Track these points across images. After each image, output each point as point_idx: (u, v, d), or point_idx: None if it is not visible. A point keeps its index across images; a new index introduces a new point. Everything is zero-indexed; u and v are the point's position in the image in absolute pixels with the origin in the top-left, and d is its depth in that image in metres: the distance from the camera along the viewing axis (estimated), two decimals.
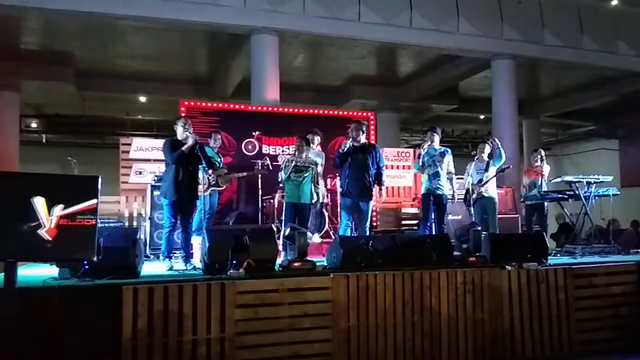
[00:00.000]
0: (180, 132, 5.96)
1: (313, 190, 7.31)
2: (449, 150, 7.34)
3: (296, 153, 7.00)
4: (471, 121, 17.89)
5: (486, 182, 7.46)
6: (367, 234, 6.68)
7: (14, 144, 12.49)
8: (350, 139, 6.69)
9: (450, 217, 8.53)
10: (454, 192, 7.22)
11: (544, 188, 8.06)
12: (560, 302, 5.32)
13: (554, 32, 11.59)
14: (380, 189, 6.83)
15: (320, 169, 7.50)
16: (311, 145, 7.60)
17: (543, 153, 8.49)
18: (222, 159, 7.95)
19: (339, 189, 6.87)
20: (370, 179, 6.65)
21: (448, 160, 7.19)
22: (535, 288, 5.27)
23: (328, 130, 9.24)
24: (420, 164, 7.16)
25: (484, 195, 7.44)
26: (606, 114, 17.35)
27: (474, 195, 7.39)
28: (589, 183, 7.27)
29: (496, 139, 8.01)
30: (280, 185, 7.32)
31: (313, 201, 7.32)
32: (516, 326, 5.16)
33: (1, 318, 3.03)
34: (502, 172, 7.88)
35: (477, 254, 5.53)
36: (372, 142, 7.60)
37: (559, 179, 7.71)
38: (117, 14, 9.10)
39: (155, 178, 8.06)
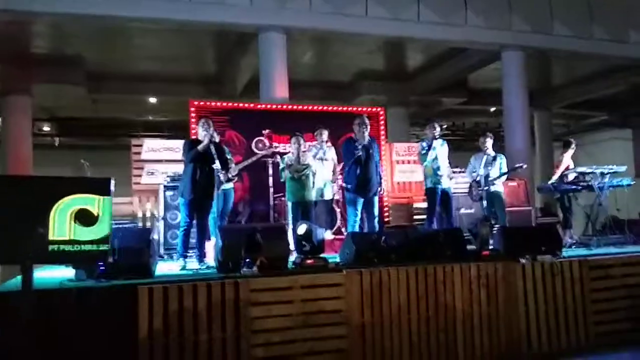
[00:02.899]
0: (200, 132, 6.04)
1: (324, 186, 7.37)
2: (445, 142, 7.40)
3: (294, 149, 7.04)
4: (482, 114, 17.77)
5: (496, 179, 7.48)
6: (377, 228, 6.74)
7: (27, 148, 12.62)
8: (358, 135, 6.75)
9: (462, 210, 8.53)
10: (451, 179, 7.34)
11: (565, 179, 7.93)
12: (575, 294, 5.28)
13: (564, 22, 11.47)
14: (380, 183, 6.93)
15: (336, 164, 7.64)
16: (322, 140, 7.63)
17: (572, 145, 8.37)
18: (233, 157, 7.96)
19: (345, 186, 6.84)
20: (381, 173, 6.83)
21: (446, 153, 7.22)
22: (550, 281, 5.24)
23: (337, 127, 9.24)
24: (427, 157, 7.19)
25: (491, 190, 7.46)
26: (618, 104, 17.16)
27: (481, 190, 7.39)
28: (602, 174, 7.20)
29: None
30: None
31: (323, 198, 7.37)
32: (531, 319, 5.13)
33: (19, 320, 3.06)
34: (514, 170, 7.88)
35: (491, 248, 5.51)
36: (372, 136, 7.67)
37: (572, 170, 7.64)
38: (126, 17, 9.15)
39: (168, 178, 8.11)
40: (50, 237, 3.07)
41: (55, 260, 3.36)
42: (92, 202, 3.18)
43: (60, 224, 3.09)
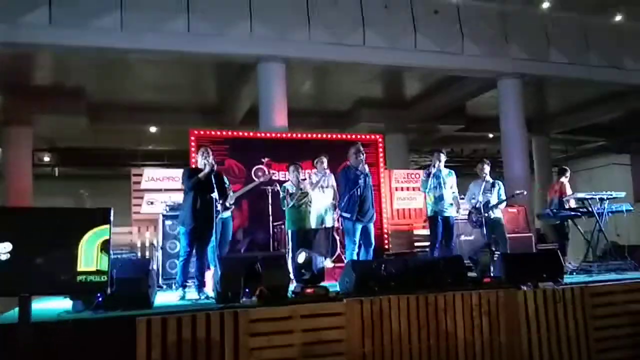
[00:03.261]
0: (199, 160, 6.07)
1: (324, 213, 7.38)
2: (453, 172, 7.40)
3: (293, 178, 7.06)
4: (480, 140, 17.86)
5: (496, 206, 7.51)
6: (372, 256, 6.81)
7: (27, 178, 12.64)
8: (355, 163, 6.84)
9: (462, 237, 8.51)
10: (458, 209, 7.39)
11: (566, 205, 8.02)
12: (578, 321, 5.23)
13: (560, 50, 11.63)
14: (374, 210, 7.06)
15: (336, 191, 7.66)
16: (323, 168, 7.66)
17: (567, 173, 8.57)
18: (232, 185, 7.96)
19: (345, 215, 6.84)
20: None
21: (453, 182, 7.25)
22: (552, 308, 5.19)
23: (336, 155, 9.28)
24: (428, 185, 7.28)
25: (491, 217, 7.48)
26: (616, 129, 17.26)
27: (480, 217, 7.40)
28: (601, 199, 7.21)
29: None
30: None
31: (324, 225, 7.38)
32: (534, 347, 5.07)
33: (16, 353, 3.03)
34: (513, 197, 7.92)
35: (492, 275, 5.48)
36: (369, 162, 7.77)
37: (571, 196, 7.66)
38: (126, 48, 9.28)
39: (167, 208, 8.10)
40: (79, 268, 3.09)
41: (82, 291, 3.39)
42: (108, 233, 3.22)
43: (88, 254, 3.13)
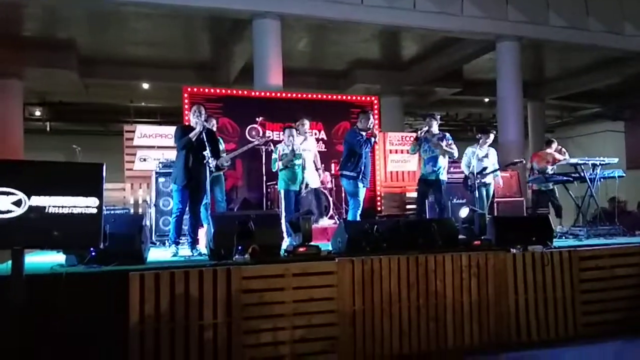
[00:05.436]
0: (192, 119, 6.01)
1: (313, 174, 7.45)
2: (447, 134, 7.39)
3: (288, 141, 7.08)
4: (476, 104, 17.80)
5: (492, 172, 7.59)
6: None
7: (18, 133, 12.53)
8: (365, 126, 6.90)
9: (454, 200, 8.58)
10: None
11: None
12: (565, 284, 5.32)
13: (559, 13, 11.47)
14: None
15: (316, 153, 7.88)
16: (304, 131, 7.68)
17: (553, 144, 8.82)
18: (224, 144, 7.93)
19: (349, 174, 6.84)
20: None
21: (446, 144, 7.24)
22: (540, 271, 5.27)
23: (332, 116, 9.23)
24: (415, 147, 7.42)
25: (485, 182, 7.57)
26: (612, 96, 17.23)
27: (477, 182, 7.45)
28: (594, 165, 7.24)
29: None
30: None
31: (310, 187, 7.46)
32: (521, 309, 5.17)
33: (10, 306, 3.05)
34: (513, 165, 7.98)
35: (482, 237, 5.54)
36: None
37: (564, 162, 7.70)
38: (118, 0, 9.06)
39: (160, 165, 8.07)
40: None
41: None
42: None
43: None
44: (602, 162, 7.27)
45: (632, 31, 12.05)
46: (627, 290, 5.51)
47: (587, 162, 7.28)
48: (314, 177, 7.85)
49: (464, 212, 6.10)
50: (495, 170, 7.76)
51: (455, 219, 6.17)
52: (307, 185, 7.34)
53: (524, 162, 8.40)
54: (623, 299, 5.47)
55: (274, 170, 7.25)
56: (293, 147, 7.04)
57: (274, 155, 7.22)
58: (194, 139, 5.83)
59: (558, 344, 5.16)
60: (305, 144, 7.69)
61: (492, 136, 7.93)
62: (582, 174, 7.29)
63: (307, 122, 7.85)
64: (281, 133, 7.97)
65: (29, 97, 14.39)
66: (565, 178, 7.74)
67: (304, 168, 7.13)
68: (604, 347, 5.11)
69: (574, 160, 7.47)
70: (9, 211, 3.02)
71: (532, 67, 14.36)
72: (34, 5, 9.66)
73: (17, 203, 3.04)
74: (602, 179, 7.40)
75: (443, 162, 7.24)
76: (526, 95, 13.00)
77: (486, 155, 7.78)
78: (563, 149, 9.13)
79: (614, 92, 16.75)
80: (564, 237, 6.94)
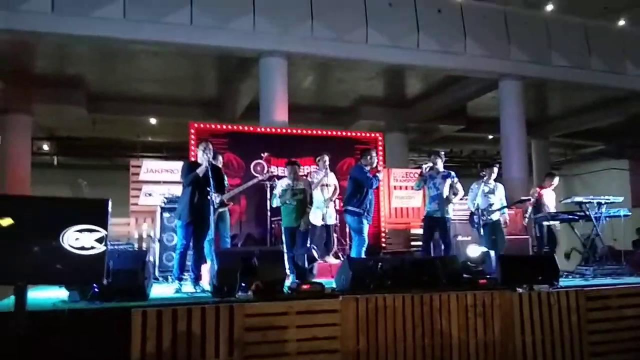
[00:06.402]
0: (199, 155, 6.05)
1: (326, 210, 7.49)
2: (452, 173, 7.38)
3: (288, 178, 7.13)
4: (480, 141, 17.88)
5: (500, 209, 7.52)
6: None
7: (26, 167, 12.62)
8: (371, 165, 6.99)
9: (459, 238, 8.52)
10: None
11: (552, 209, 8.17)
12: (572, 324, 5.24)
13: (562, 53, 11.63)
14: None
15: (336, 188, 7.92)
16: (324, 166, 7.74)
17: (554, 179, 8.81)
18: (228, 180, 7.95)
19: (355, 210, 6.85)
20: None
21: (450, 183, 7.23)
22: (547, 310, 5.20)
23: (336, 152, 9.27)
24: (420, 183, 7.41)
25: (492, 219, 7.48)
26: (615, 134, 17.28)
27: (483, 219, 7.39)
28: (599, 204, 7.22)
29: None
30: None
31: (326, 223, 7.50)
32: (528, 349, 5.08)
33: (12, 341, 3.03)
34: (520, 203, 7.96)
35: (488, 276, 5.49)
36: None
37: (569, 200, 7.67)
38: (127, 39, 9.25)
39: (165, 200, 8.09)
40: None
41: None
42: None
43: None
44: (607, 201, 7.25)
45: (634, 71, 12.18)
46: (635, 331, 5.42)
47: (592, 200, 7.26)
48: (333, 213, 7.97)
49: (472, 250, 6.00)
50: (502, 208, 7.67)
51: (460, 257, 6.12)
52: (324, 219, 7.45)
53: (532, 200, 8.34)
54: (631, 339, 5.38)
55: (273, 206, 7.29)
56: (292, 184, 7.05)
57: (274, 191, 7.26)
58: (201, 175, 5.87)
59: None
60: (326, 179, 7.79)
61: (495, 170, 7.88)
62: (588, 213, 7.26)
63: (327, 158, 7.92)
64: (284, 169, 8.02)
65: (37, 131, 14.56)
66: (570, 217, 7.70)
67: (305, 204, 7.09)
68: None
69: (579, 199, 7.45)
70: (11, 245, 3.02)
71: (535, 105, 14.47)
72: (45, 43, 9.88)
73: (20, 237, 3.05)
74: (607, 218, 7.36)
75: (446, 200, 7.22)
76: (530, 133, 13.06)
77: (492, 191, 7.69)
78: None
79: (617, 131, 16.81)
80: (570, 277, 6.87)
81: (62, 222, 3.18)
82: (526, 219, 8.95)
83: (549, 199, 8.61)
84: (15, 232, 3.06)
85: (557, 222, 8.16)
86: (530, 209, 8.62)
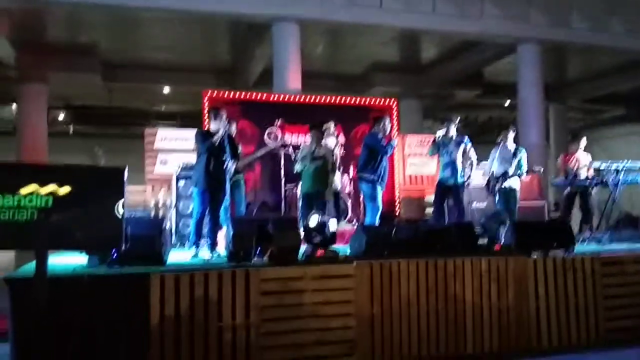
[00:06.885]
0: (212, 122, 6.05)
1: (331, 178, 7.44)
2: (466, 138, 7.28)
3: (312, 144, 7.07)
4: (496, 107, 17.64)
5: (512, 176, 7.39)
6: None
7: (42, 136, 12.75)
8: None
9: (474, 204, 8.50)
10: (469, 176, 7.31)
11: (582, 176, 7.87)
12: (587, 290, 5.24)
13: (582, 15, 11.32)
14: None
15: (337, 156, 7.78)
16: (331, 133, 7.68)
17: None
18: (242, 147, 7.95)
19: (370, 177, 6.83)
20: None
21: (464, 149, 7.15)
22: (561, 276, 5.20)
23: (350, 119, 9.23)
24: (434, 150, 7.28)
25: (507, 186, 7.39)
26: (636, 99, 16.92)
27: (498, 186, 7.32)
28: (617, 170, 7.11)
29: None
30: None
31: (331, 189, 7.46)
32: (542, 315, 5.10)
33: (33, 307, 3.11)
34: (529, 172, 7.79)
35: (502, 242, 5.48)
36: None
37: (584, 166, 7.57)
38: (140, 6, 9.20)
39: (180, 168, 8.15)
40: None
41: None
42: None
43: None
44: (625, 167, 7.13)
45: None
46: None
47: (610, 166, 7.14)
48: (337, 180, 7.88)
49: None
50: (515, 175, 7.50)
51: (476, 223, 6.10)
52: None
53: (542, 170, 8.16)
54: None
55: (294, 172, 7.26)
56: (313, 149, 7.02)
57: (297, 157, 7.25)
58: (216, 144, 5.89)
59: (580, 350, 5.09)
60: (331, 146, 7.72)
61: (512, 132, 7.73)
62: (605, 179, 7.16)
63: (332, 125, 7.86)
64: (300, 136, 8.02)
65: (53, 101, 14.66)
66: (588, 182, 7.61)
67: (325, 171, 7.05)
68: (627, 354, 5.02)
69: (597, 164, 7.33)
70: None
71: (553, 70, 14.19)
72: (58, 11, 9.85)
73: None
74: (625, 184, 7.26)
75: (460, 166, 7.14)
76: (548, 98, 12.84)
77: (510, 157, 7.47)
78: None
79: (637, 95, 16.46)
80: (586, 242, 6.83)
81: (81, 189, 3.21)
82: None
83: (585, 162, 8.26)
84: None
85: (593, 190, 7.92)
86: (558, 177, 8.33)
